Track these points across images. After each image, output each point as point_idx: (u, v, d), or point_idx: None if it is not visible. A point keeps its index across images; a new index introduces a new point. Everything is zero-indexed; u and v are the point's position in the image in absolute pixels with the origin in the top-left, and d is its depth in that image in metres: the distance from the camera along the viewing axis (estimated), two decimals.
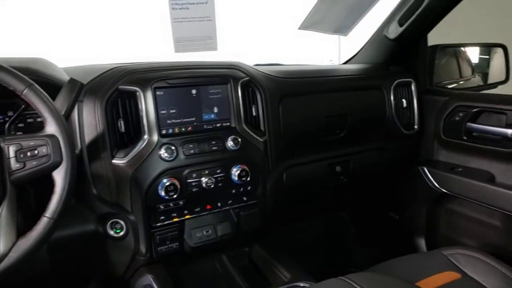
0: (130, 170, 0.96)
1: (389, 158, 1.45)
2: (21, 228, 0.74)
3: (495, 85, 1.71)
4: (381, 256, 1.18)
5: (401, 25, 1.39)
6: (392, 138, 1.43)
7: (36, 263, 0.94)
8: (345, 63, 1.59)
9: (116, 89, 0.96)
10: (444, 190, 1.38)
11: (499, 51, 1.73)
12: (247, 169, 1.07)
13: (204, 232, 1.07)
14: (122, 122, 0.97)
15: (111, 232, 1.01)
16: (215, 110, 1.07)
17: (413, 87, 1.45)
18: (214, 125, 1.06)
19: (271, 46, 1.78)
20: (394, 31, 1.41)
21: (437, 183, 1.41)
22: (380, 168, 1.46)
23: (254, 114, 1.13)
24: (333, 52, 1.61)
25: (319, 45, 1.62)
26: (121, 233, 1.01)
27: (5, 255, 0.70)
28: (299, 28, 1.39)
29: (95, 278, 1.39)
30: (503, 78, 1.70)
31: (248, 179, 1.08)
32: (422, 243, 1.53)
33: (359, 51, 1.56)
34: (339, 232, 1.76)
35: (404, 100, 1.44)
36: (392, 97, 1.40)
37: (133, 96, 0.97)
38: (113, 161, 0.95)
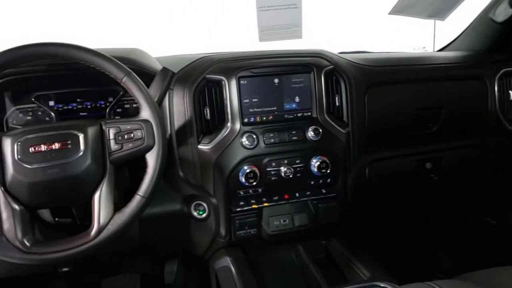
0: (214, 155, 0.99)
1: (488, 156, 1.30)
2: (117, 204, 0.81)
3: None
4: (473, 264, 1.07)
5: None
6: (494, 134, 1.28)
7: (129, 237, 1.03)
8: (440, 50, 1.45)
9: (203, 78, 1.00)
10: None
11: None
12: (328, 161, 1.04)
13: (282, 221, 1.07)
14: (208, 110, 1.00)
15: (195, 213, 1.06)
16: (297, 99, 1.05)
17: None
18: (295, 115, 1.05)
19: (358, 33, 1.69)
20: (503, 13, 1.24)
21: None
22: (477, 167, 1.31)
23: (337, 104, 1.09)
24: (427, 39, 1.47)
25: (411, 31, 1.49)
26: (204, 215, 1.06)
27: (104, 227, 0.77)
28: (389, 13, 1.29)
29: (178, 255, 1.49)
30: None
31: (328, 171, 1.05)
32: None
33: (457, 37, 1.42)
34: (425, 233, 1.63)
35: (511, 92, 1.27)
36: (496, 88, 1.25)
37: (218, 85, 1.00)
38: (199, 146, 1.00)
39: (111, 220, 0.78)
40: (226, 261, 1.03)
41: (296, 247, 1.12)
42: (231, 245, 1.08)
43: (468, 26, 1.39)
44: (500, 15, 1.25)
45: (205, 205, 1.06)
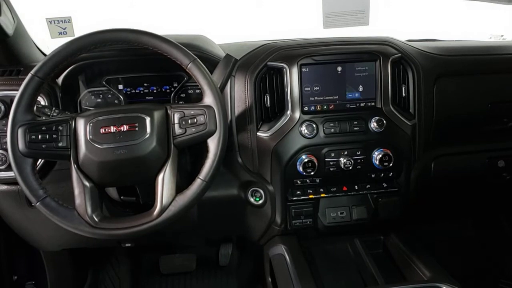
0: (272, 143, 0.96)
1: None
2: (179, 186, 0.80)
3: None
4: None
5: None
6: None
7: (188, 218, 1.03)
8: None
9: (265, 65, 0.96)
10: None
11: None
12: (390, 154, 0.97)
13: (339, 213, 1.02)
14: (268, 97, 0.97)
15: (251, 199, 1.04)
16: (360, 88, 0.98)
17: None
18: (357, 105, 0.98)
19: (428, 19, 1.55)
20: None
21: None
22: None
23: (403, 94, 1.00)
24: (507, 26, 1.31)
25: (487, 18, 1.34)
26: (260, 202, 1.03)
27: (166, 207, 0.77)
28: None
29: (233, 239, 1.49)
30: None
31: (391, 164, 0.97)
32: None
33: None
34: (493, 237, 1.48)
35: None
36: None
37: (279, 72, 0.96)
38: (258, 133, 0.97)
39: (173, 201, 0.78)
40: (281, 249, 1.00)
41: (353, 240, 1.06)
42: (286, 233, 1.04)
43: None
44: None
45: (261, 192, 1.03)
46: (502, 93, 1.09)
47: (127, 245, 1.10)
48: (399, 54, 0.98)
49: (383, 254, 1.07)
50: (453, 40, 1.26)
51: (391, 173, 1.00)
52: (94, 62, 0.97)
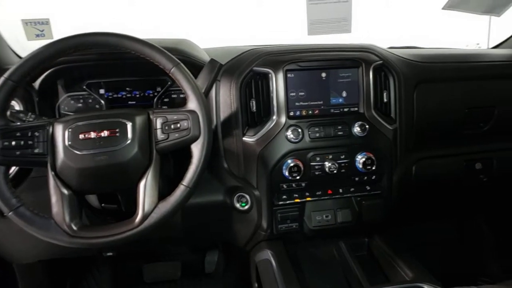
0: (258, 148, 0.95)
1: None
2: (162, 193, 0.78)
3: None
4: None
5: None
6: None
7: (172, 225, 1.00)
8: (495, 47, 1.33)
9: (250, 70, 0.95)
10: None
11: None
12: (373, 158, 0.97)
13: (324, 217, 1.02)
14: (254, 102, 0.96)
15: (237, 205, 1.02)
16: (344, 94, 0.99)
17: None
18: (341, 110, 0.99)
19: (409, 28, 1.58)
20: None
21: None
22: None
23: (385, 100, 1.01)
24: (481, 35, 1.35)
25: (464, 27, 1.38)
26: (246, 207, 1.02)
27: (148, 215, 0.75)
28: (443, 8, 1.19)
29: (219, 245, 1.46)
30: None
31: (373, 168, 0.98)
32: None
33: None
34: (472, 237, 1.51)
35: None
36: None
37: (265, 78, 0.96)
38: (244, 138, 0.95)
39: (155, 208, 0.76)
40: (267, 254, 0.99)
41: (338, 243, 1.06)
42: (273, 238, 1.03)
43: None
44: None
45: (247, 197, 1.02)
46: (478, 98, 1.12)
47: (108, 254, 1.05)
48: (381, 61, 1.00)
49: (368, 256, 1.07)
50: (432, 48, 1.29)
51: (374, 176, 1.01)
52: (74, 65, 0.94)
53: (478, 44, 1.35)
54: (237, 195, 1.02)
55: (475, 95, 1.11)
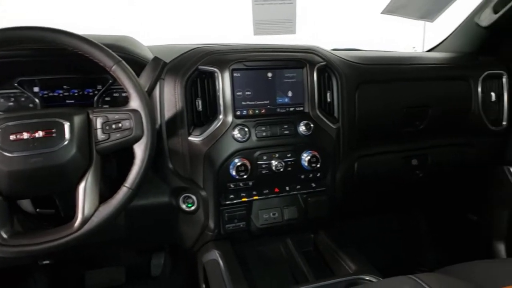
0: (204, 147, 0.94)
1: (471, 155, 1.28)
2: (103, 195, 0.75)
3: None
4: (454, 258, 1.06)
5: (495, 12, 1.20)
6: (477, 134, 1.26)
7: (114, 228, 0.96)
8: (429, 50, 1.43)
9: (196, 69, 0.94)
10: None
11: None
12: (318, 156, 1.00)
13: (271, 215, 1.03)
14: (199, 101, 0.95)
15: (183, 206, 1.01)
16: (289, 94, 1.00)
17: (504, 80, 1.26)
18: (287, 109, 1.00)
19: (351, 31, 1.65)
20: (487, 18, 1.23)
21: None
22: (460, 165, 1.29)
23: (328, 100, 1.04)
24: (417, 39, 1.44)
25: (402, 31, 1.46)
26: (192, 208, 1.00)
27: (88, 218, 0.72)
28: (382, 13, 1.25)
29: (165, 247, 1.43)
30: None
31: (318, 165, 1.01)
32: (501, 248, 1.35)
33: (445, 39, 1.39)
34: (410, 229, 1.61)
35: (493, 94, 1.25)
36: (479, 90, 1.23)
37: (211, 77, 0.95)
38: (189, 138, 0.94)
39: (96, 212, 0.72)
40: (214, 254, 0.98)
41: (285, 240, 1.08)
42: (220, 238, 1.03)
43: (456, 29, 1.36)
44: (485, 20, 1.23)
45: (194, 197, 1.00)
46: (414, 99, 1.18)
47: (44, 262, 0.99)
48: (324, 62, 1.03)
49: (313, 251, 1.11)
50: (373, 51, 1.35)
51: (319, 174, 1.04)
52: (5, 61, 0.87)
53: (414, 47, 1.44)
54: (183, 196, 1.00)
55: (412, 96, 1.18)
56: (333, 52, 1.13)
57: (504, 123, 1.27)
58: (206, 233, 1.02)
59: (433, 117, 1.19)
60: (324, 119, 1.02)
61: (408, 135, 1.20)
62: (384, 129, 1.16)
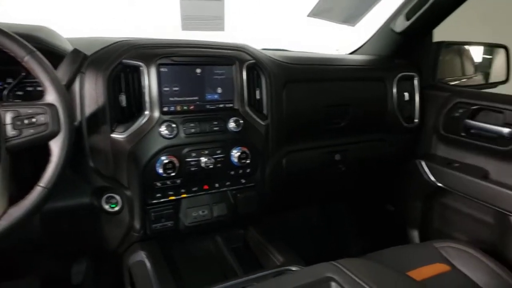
0: (128, 145, 0.90)
1: (388, 150, 1.40)
2: (15, 196, 0.69)
3: (495, 84, 1.65)
4: (375, 246, 1.14)
5: (408, 19, 1.32)
6: (392, 130, 1.37)
7: (29, 232, 0.89)
8: (351, 53, 1.52)
9: (119, 63, 0.90)
10: (440, 184, 1.33)
11: (501, 51, 1.66)
12: (247, 152, 1.02)
13: (200, 212, 1.02)
14: (123, 97, 0.91)
15: (106, 207, 0.96)
16: (219, 90, 1.01)
17: (416, 82, 1.39)
18: (216, 106, 1.01)
19: (281, 32, 1.70)
20: (400, 24, 1.34)
21: (433, 177, 1.35)
22: (378, 159, 1.40)
23: (258, 97, 1.07)
24: (341, 42, 1.53)
25: (329, 34, 1.54)
26: (116, 208, 0.96)
27: None
28: (308, 15, 1.32)
29: (87, 251, 1.34)
30: (503, 78, 1.64)
31: (248, 161, 1.03)
32: (415, 235, 1.49)
33: (365, 43, 1.49)
34: (336, 221, 1.71)
35: (406, 94, 1.37)
36: (394, 90, 1.34)
37: (136, 71, 0.91)
38: (112, 135, 0.90)
39: (4, 215, 0.66)
40: (141, 256, 0.95)
41: (215, 238, 1.08)
42: (147, 238, 1.00)
43: (374, 34, 1.47)
44: (399, 26, 1.35)
45: (118, 197, 0.96)
46: (337, 97, 1.26)
47: None
48: (253, 61, 1.05)
49: (243, 247, 1.12)
50: (300, 51, 1.40)
51: (249, 169, 1.06)
52: None
53: (337, 50, 1.53)
54: (106, 196, 0.96)
55: (334, 95, 1.25)
56: (263, 51, 1.16)
57: (416, 120, 1.40)
58: (131, 234, 0.99)
59: (353, 115, 1.27)
60: (254, 116, 1.04)
61: (331, 131, 1.26)
62: (310, 126, 1.22)
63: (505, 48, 1.64)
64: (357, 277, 0.73)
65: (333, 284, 0.72)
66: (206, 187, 1.03)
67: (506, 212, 1.13)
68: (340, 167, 1.30)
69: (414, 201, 1.46)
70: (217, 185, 1.04)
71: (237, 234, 1.13)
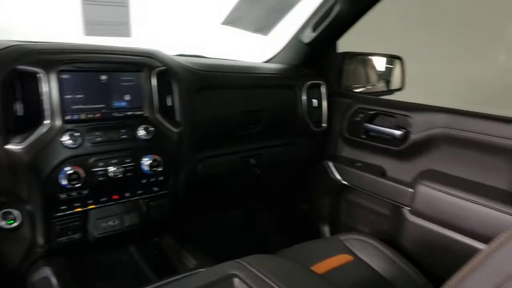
0: (27, 156, 0.85)
1: (299, 153, 1.49)
2: None
3: (392, 91, 1.84)
4: (291, 242, 1.21)
5: (314, 31, 1.42)
6: (303, 134, 1.46)
7: None
8: (266, 62, 1.59)
9: (13, 69, 0.84)
10: (345, 183, 1.46)
11: (399, 62, 1.86)
12: (159, 159, 1.02)
13: (110, 223, 1.00)
14: (20, 105, 0.85)
15: (2, 223, 0.89)
16: (127, 98, 0.99)
17: (323, 89, 1.49)
18: (124, 113, 0.99)
19: (201, 38, 1.71)
20: (308, 36, 1.44)
21: (339, 176, 1.48)
22: (291, 162, 1.49)
23: (169, 104, 1.07)
24: (259, 51, 1.60)
25: (246, 42, 1.59)
26: (14, 224, 0.90)
27: None
28: (221, 24, 1.35)
29: None
30: (399, 86, 1.84)
31: (160, 169, 1.02)
32: (326, 230, 1.60)
33: (278, 52, 1.57)
34: (255, 221, 1.77)
35: (315, 100, 1.47)
36: (304, 97, 1.43)
37: (34, 78, 0.86)
38: (7, 146, 0.83)
39: None
40: (46, 272, 0.90)
41: (128, 248, 1.06)
42: (53, 253, 0.94)
43: (287, 44, 1.55)
44: (306, 37, 1.45)
45: (16, 212, 0.89)
46: (251, 104, 1.31)
47: None
48: (164, 67, 1.05)
49: (158, 255, 1.11)
50: (216, 58, 1.43)
51: (161, 177, 1.06)
52: None
53: (253, 58, 1.58)
54: (2, 212, 0.89)
55: (248, 101, 1.29)
56: (175, 57, 1.16)
57: (323, 125, 1.51)
58: (35, 250, 0.93)
59: (266, 121, 1.33)
60: (165, 123, 1.04)
61: (246, 137, 1.31)
62: (225, 131, 1.25)
63: (400, 59, 1.84)
64: (260, 272, 0.76)
65: (235, 280, 0.75)
66: (115, 196, 1.00)
67: (399, 204, 1.28)
68: (255, 170, 1.35)
69: (324, 199, 1.57)
70: (127, 194, 1.02)
71: (152, 243, 1.12)
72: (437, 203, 1.15)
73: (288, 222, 1.76)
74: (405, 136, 1.28)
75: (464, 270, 0.45)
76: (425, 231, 1.20)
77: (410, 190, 1.23)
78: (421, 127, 1.25)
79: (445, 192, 1.13)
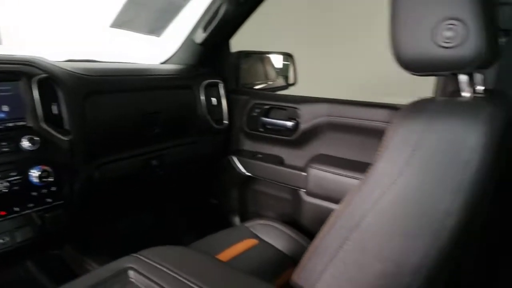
0: None
1: (202, 151, 1.53)
2: None
3: (287, 86, 1.99)
4: (206, 235, 1.25)
5: (205, 31, 1.47)
6: (205, 132, 1.51)
7: None
8: (163, 63, 1.60)
9: None
10: (249, 174, 1.55)
11: (291, 58, 2.02)
12: (50, 170, 0.98)
13: (0, 241, 0.93)
14: None
15: None
16: (6, 109, 0.94)
17: (220, 87, 1.56)
18: (4, 125, 0.93)
19: (92, 42, 1.65)
20: (200, 36, 1.49)
21: (243, 168, 1.56)
22: (194, 160, 1.52)
23: (55, 112, 1.03)
24: (156, 52, 1.60)
25: (141, 44, 1.58)
26: None
27: None
28: (110, 26, 1.33)
29: None
30: (292, 81, 1.99)
31: (51, 179, 0.99)
32: (236, 220, 1.69)
33: (174, 53, 1.60)
34: (168, 220, 1.78)
35: (214, 99, 1.53)
36: (202, 97, 1.48)
37: None
38: None
39: None
40: None
41: (25, 264, 1.00)
42: None
43: (181, 44, 1.58)
44: (198, 37, 1.50)
45: None
46: (149, 106, 1.31)
47: None
48: (45, 75, 1.00)
49: (60, 266, 1.07)
50: (109, 62, 1.39)
51: (54, 188, 1.02)
52: None
53: (150, 60, 1.58)
54: None
55: (145, 104, 1.29)
56: (61, 63, 1.12)
57: (225, 121, 1.57)
58: None
59: (165, 122, 1.35)
60: (52, 132, 1.00)
61: (145, 139, 1.31)
62: (122, 136, 1.24)
63: (291, 56, 1.99)
64: (157, 263, 0.78)
65: (131, 272, 0.76)
66: (3, 213, 0.94)
67: (297, 188, 1.41)
68: (158, 171, 1.36)
69: (232, 191, 1.65)
70: (17, 208, 0.96)
71: (52, 256, 1.07)
72: (326, 183, 1.30)
73: (201, 218, 1.81)
74: (296, 126, 1.41)
75: (327, 224, 0.60)
76: (319, 209, 1.35)
77: (303, 174, 1.36)
78: (308, 117, 1.39)
79: (331, 172, 1.28)
